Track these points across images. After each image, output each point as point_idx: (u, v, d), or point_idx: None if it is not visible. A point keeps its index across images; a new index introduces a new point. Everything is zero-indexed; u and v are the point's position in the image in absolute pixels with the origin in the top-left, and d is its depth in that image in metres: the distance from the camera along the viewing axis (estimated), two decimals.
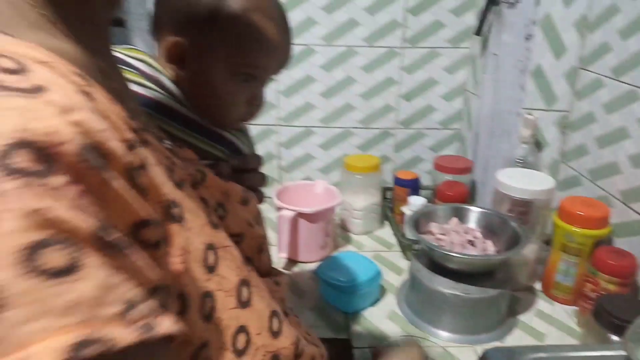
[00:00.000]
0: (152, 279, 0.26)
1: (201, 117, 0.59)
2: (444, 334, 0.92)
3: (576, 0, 1.03)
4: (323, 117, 1.39)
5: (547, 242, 1.04)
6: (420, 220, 1.01)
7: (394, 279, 1.08)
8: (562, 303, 1.00)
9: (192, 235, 0.37)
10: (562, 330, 0.93)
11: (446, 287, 0.90)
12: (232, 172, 0.60)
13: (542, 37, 1.07)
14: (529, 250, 0.99)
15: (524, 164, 1.10)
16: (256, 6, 0.58)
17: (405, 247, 1.16)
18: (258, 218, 0.58)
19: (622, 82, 0.95)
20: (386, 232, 1.30)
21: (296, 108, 1.38)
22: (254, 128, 0.86)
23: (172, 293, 0.31)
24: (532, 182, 0.98)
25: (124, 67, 0.56)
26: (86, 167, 0.23)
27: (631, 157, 0.93)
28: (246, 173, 0.63)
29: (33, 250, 0.20)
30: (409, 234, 1.04)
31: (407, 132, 1.41)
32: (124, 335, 0.22)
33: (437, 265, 0.94)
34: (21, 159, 0.21)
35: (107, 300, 0.22)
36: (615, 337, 0.76)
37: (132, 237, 0.27)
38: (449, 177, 1.22)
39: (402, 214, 1.19)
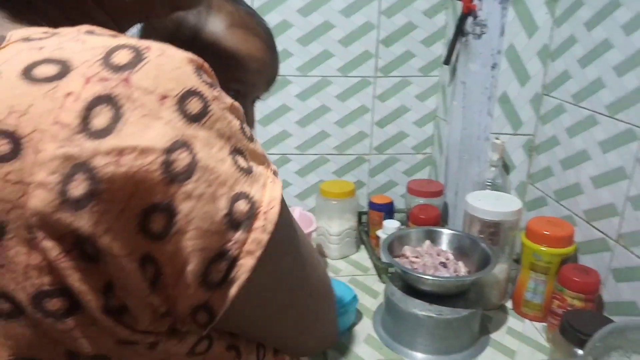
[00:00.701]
0: None
1: None
2: (419, 355, 0.93)
3: (538, 31, 1.09)
4: (299, 145, 1.42)
5: (517, 261, 1.07)
6: (394, 244, 1.03)
7: (370, 303, 1.10)
8: (532, 320, 1.02)
9: None
10: (532, 347, 0.95)
11: (420, 309, 0.92)
12: None
13: (507, 65, 1.12)
14: (499, 270, 1.02)
15: (493, 186, 1.13)
16: (239, 22, 0.60)
17: (381, 270, 1.18)
18: None
19: (582, 108, 0.99)
20: (362, 256, 1.31)
21: (272, 136, 1.40)
22: None
23: None
24: (500, 204, 1.02)
25: None
26: (213, 74, 0.34)
27: (592, 178, 0.97)
28: None
29: (241, 125, 0.33)
30: (384, 257, 1.06)
31: (380, 157, 1.45)
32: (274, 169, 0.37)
33: (411, 287, 0.96)
34: (206, 76, 0.32)
35: (263, 153, 0.36)
36: (580, 352, 0.79)
37: None
38: (421, 200, 1.25)
39: (378, 237, 1.21)
